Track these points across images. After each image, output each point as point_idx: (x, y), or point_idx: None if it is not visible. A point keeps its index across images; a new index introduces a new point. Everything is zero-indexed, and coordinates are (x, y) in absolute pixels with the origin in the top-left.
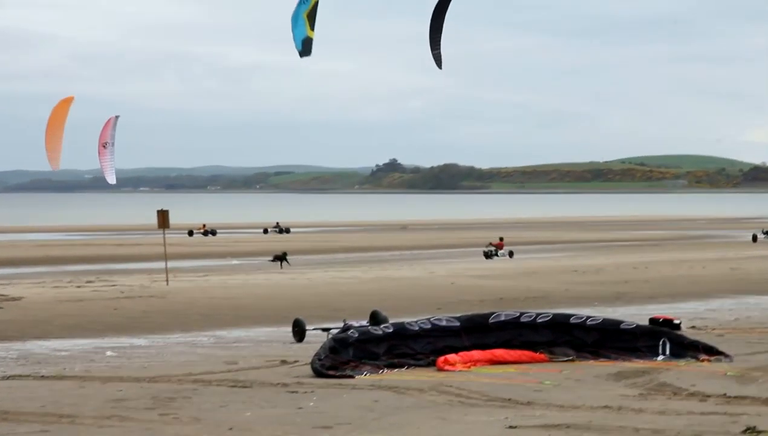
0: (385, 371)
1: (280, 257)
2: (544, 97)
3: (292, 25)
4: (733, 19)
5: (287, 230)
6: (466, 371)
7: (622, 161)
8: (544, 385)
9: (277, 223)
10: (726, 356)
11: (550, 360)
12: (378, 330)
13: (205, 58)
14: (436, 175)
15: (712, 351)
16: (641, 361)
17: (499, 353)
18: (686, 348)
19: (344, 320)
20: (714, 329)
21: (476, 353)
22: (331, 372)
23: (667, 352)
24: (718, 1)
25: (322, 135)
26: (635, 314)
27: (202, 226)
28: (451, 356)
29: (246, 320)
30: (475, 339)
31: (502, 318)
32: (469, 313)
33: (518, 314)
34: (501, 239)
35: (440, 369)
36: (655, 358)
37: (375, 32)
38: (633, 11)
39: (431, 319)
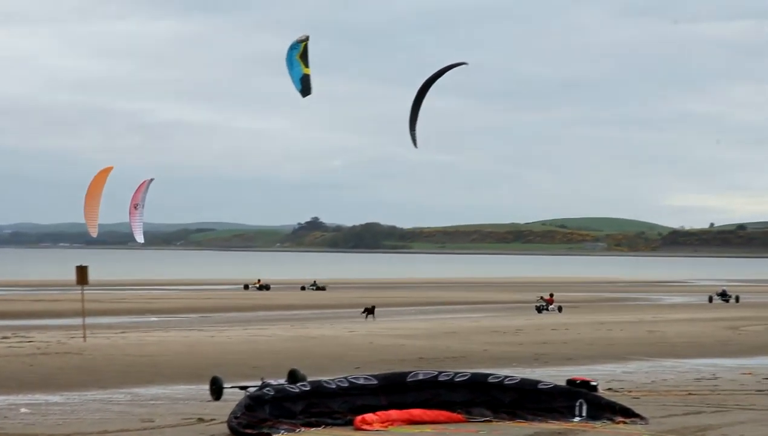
0: (302, 429)
1: (370, 310)
2: (466, 158)
3: (288, 69)
4: (652, 84)
5: (323, 288)
6: (384, 431)
7: (543, 223)
8: None
9: (315, 281)
10: (641, 418)
11: (468, 420)
12: (295, 388)
13: (127, 114)
14: (358, 234)
15: (628, 413)
16: (558, 422)
17: (417, 412)
18: (603, 409)
19: (262, 379)
20: (630, 391)
21: (394, 413)
22: (247, 430)
23: (584, 413)
24: (640, 66)
25: (244, 193)
26: (553, 375)
27: (257, 281)
28: (369, 416)
29: (163, 378)
30: (392, 398)
31: (420, 377)
32: (388, 372)
33: (436, 373)
34: (551, 295)
35: (358, 429)
36: (571, 419)
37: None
38: (553, 74)
39: (349, 377)
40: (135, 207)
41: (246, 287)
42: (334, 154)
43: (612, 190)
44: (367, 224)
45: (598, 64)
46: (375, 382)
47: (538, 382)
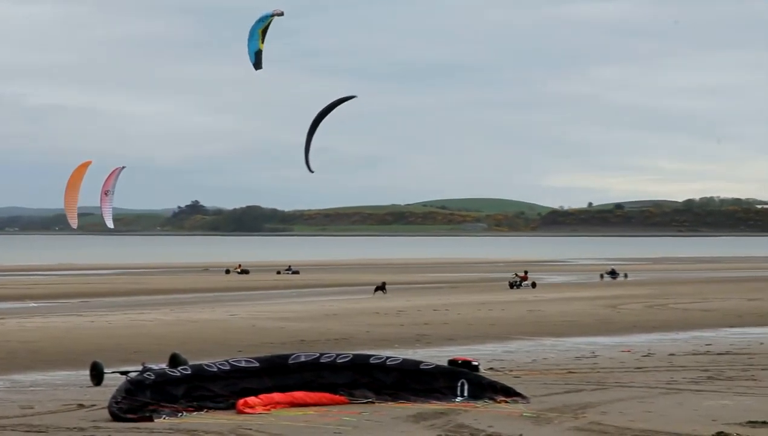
0: (185, 413)
1: (381, 287)
2: (346, 140)
3: (248, 40)
4: (531, 67)
5: (297, 272)
6: (266, 414)
7: (424, 204)
8: (343, 427)
9: (290, 266)
10: (523, 397)
11: (351, 402)
12: (176, 372)
13: (3, 98)
14: (239, 217)
15: (509, 392)
16: (440, 402)
17: (300, 395)
18: (484, 389)
19: (143, 363)
20: (512, 370)
21: (277, 396)
22: (129, 415)
23: (466, 393)
24: (516, 49)
25: (123, 177)
26: (435, 356)
27: (238, 265)
28: (252, 399)
29: (43, 364)
30: (275, 381)
31: (302, 359)
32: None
33: (318, 355)
34: (525, 272)
35: (240, 412)
36: (453, 399)
37: (177, 75)
38: (433, 58)
39: (230, 360)
40: (105, 194)
41: (227, 271)
42: (213, 138)
43: (491, 171)
44: (248, 207)
45: (477, 47)
46: (257, 364)
47: (419, 362)
